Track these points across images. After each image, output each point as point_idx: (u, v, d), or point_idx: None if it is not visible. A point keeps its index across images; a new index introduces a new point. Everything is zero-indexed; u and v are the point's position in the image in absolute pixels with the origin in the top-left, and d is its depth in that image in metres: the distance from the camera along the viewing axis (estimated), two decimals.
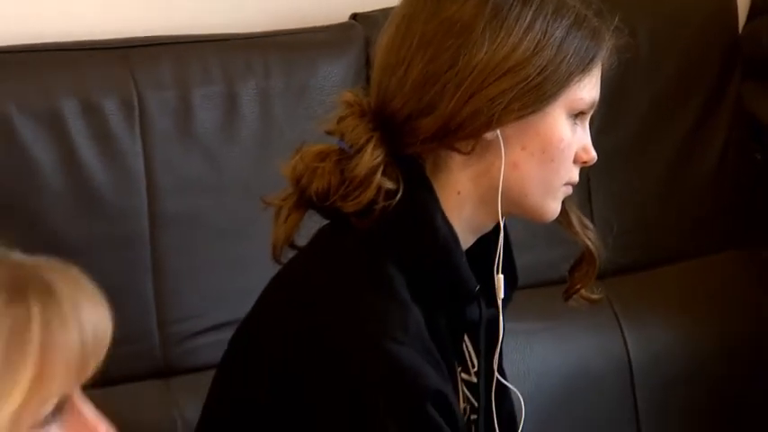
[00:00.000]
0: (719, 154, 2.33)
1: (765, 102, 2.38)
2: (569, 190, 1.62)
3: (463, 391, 1.66)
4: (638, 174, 2.28)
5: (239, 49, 2.01)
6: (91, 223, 1.86)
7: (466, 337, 1.66)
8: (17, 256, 1.14)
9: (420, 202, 1.55)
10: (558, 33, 1.53)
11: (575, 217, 1.70)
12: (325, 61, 2.06)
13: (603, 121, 2.14)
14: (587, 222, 1.72)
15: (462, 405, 1.64)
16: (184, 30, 2.03)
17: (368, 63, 2.06)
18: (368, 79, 1.94)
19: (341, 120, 1.56)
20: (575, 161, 1.59)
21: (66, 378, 1.10)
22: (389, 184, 1.50)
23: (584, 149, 1.60)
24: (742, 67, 2.36)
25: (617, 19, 1.59)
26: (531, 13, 1.53)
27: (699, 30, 2.34)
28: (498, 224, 1.61)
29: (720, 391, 2.24)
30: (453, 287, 1.58)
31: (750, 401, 2.27)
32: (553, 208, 1.62)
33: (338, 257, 1.58)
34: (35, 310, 1.09)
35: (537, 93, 1.53)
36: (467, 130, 1.52)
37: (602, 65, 1.59)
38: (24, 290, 1.12)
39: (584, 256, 1.70)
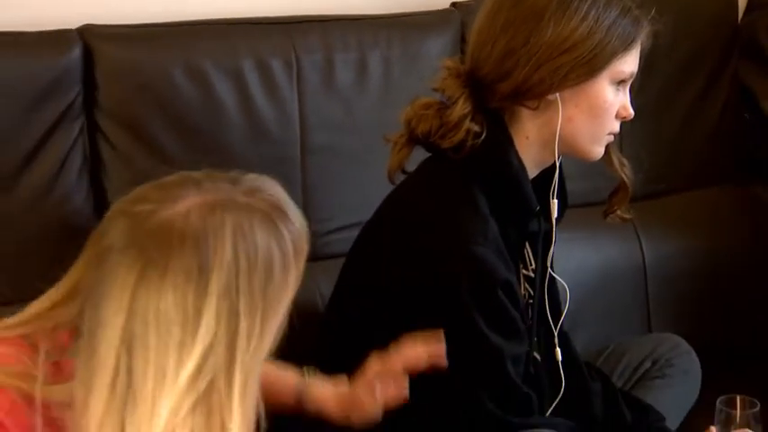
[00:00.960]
0: (720, 113, 2.33)
1: (755, 77, 2.35)
2: (611, 138, 1.66)
3: (523, 284, 1.69)
4: (658, 126, 2.26)
5: (369, 25, 2.01)
6: (258, 148, 1.88)
7: (528, 244, 1.69)
8: (244, 176, 1.16)
9: (499, 142, 1.60)
10: (607, 21, 1.56)
11: (615, 158, 1.73)
12: (432, 37, 2.05)
13: (636, 88, 2.02)
14: (624, 161, 1.75)
15: (522, 292, 1.67)
16: (332, 10, 2.01)
17: (463, 40, 2.06)
18: (463, 52, 1.97)
19: (442, 80, 1.61)
20: (616, 116, 1.63)
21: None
22: (476, 128, 1.57)
23: (624, 108, 1.63)
24: (739, 50, 2.35)
25: (653, 10, 1.62)
26: (587, 5, 1.55)
27: (707, 21, 2.32)
28: (556, 161, 1.65)
29: (711, 286, 2.25)
30: (520, 206, 1.62)
31: (733, 292, 2.26)
32: (598, 151, 1.66)
33: (437, 181, 1.63)
34: (288, 236, 1.12)
35: (588, 66, 1.56)
36: (534, 92, 1.57)
37: (642, 45, 1.61)
38: (281, 207, 1.14)
39: (621, 186, 1.74)
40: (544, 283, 1.72)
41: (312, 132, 1.92)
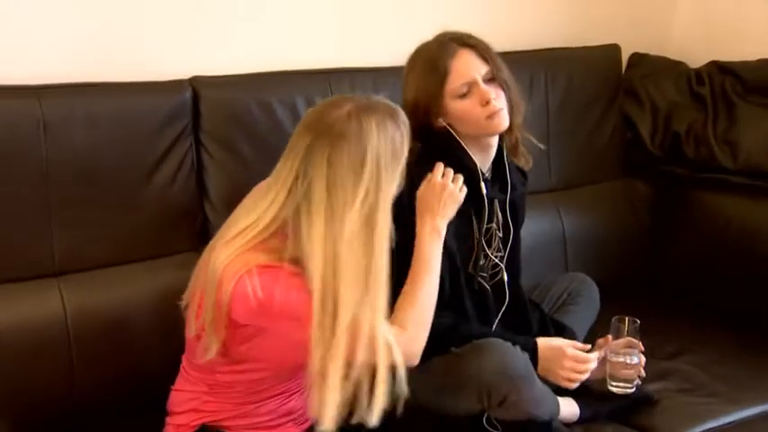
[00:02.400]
0: (611, 133, 2.30)
1: (633, 109, 2.32)
2: (496, 116, 1.55)
3: (476, 227, 1.63)
4: (572, 141, 2.24)
5: (372, 75, 1.92)
6: None
7: (497, 202, 1.64)
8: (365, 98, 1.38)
9: (449, 137, 1.59)
10: (419, 78, 1.56)
11: (522, 156, 1.68)
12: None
13: (556, 117, 2.18)
14: (529, 158, 1.70)
15: (477, 234, 1.62)
16: (358, 63, 1.95)
17: None
18: None
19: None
20: (481, 105, 1.54)
21: None
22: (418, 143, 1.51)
23: (481, 99, 1.55)
24: (623, 92, 2.33)
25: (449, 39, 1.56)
26: (410, 75, 1.59)
27: (602, 73, 2.31)
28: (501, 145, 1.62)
29: (608, 244, 2.22)
30: (470, 173, 1.59)
31: (622, 247, 2.24)
32: (491, 126, 1.56)
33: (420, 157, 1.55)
34: (402, 128, 1.37)
35: (433, 105, 1.55)
36: (432, 122, 1.58)
37: (460, 60, 1.54)
38: (397, 113, 1.38)
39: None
40: (494, 231, 1.67)
41: None
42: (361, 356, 1.26)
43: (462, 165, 1.61)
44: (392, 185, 1.33)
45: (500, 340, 1.55)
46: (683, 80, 2.32)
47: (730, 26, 2.37)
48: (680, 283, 2.24)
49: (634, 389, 1.67)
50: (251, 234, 1.32)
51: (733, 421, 1.71)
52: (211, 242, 1.42)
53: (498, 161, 1.68)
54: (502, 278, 1.71)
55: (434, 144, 1.61)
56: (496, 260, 1.70)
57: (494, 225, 1.68)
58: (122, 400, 1.66)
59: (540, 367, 1.60)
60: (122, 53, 1.78)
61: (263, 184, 1.43)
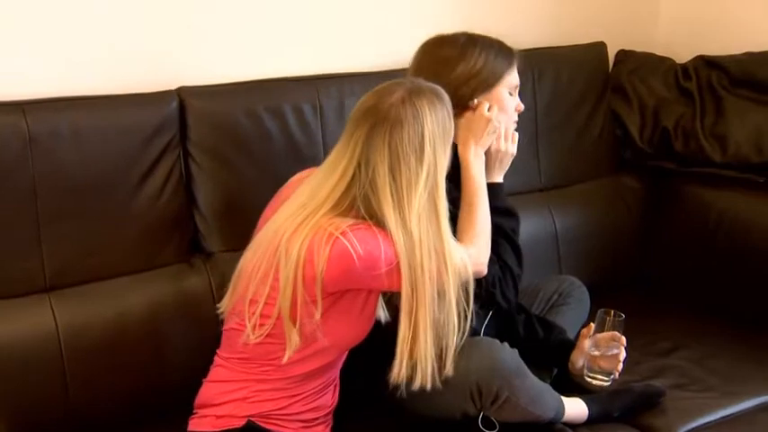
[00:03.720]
0: (600, 130, 2.30)
1: (622, 106, 2.32)
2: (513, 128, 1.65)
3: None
4: (562, 139, 2.24)
5: (367, 78, 1.87)
6: (293, 164, 1.72)
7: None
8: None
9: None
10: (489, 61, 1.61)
11: None
12: None
13: (544, 115, 2.18)
14: None
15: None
16: (343, 69, 1.94)
17: None
18: None
19: None
20: (517, 110, 1.66)
21: None
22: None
23: (517, 108, 1.66)
24: (611, 90, 2.33)
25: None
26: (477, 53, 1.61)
27: (590, 71, 2.29)
28: None
29: (599, 243, 2.21)
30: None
31: (613, 246, 2.23)
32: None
33: None
34: (448, 106, 1.43)
35: (486, 84, 1.60)
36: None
37: (515, 62, 1.64)
38: (441, 93, 1.43)
39: None
40: None
41: (329, 149, 1.70)
42: (445, 281, 1.37)
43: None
44: (446, 162, 1.40)
45: (486, 338, 1.55)
46: (670, 75, 2.32)
47: (715, 20, 2.37)
48: (672, 278, 2.24)
49: (610, 382, 1.66)
50: (322, 211, 1.36)
51: (730, 414, 1.71)
52: (255, 240, 1.44)
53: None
54: None
55: None
56: None
57: None
58: (117, 413, 1.65)
59: None
60: (107, 65, 1.77)
61: (297, 186, 1.46)
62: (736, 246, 2.10)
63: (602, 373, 1.65)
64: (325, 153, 1.81)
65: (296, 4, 1.97)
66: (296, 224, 1.36)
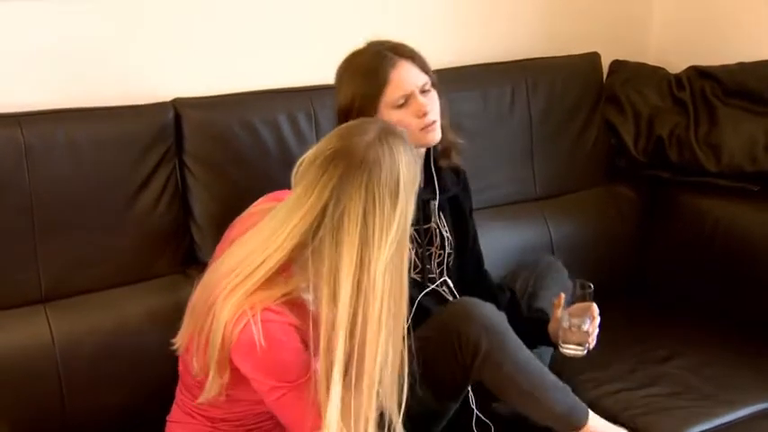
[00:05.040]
0: (594, 139, 2.29)
1: (616, 116, 2.32)
2: (430, 128, 1.55)
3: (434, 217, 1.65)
4: (556, 149, 2.24)
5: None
6: (289, 173, 1.52)
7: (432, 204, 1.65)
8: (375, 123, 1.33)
9: None
10: (356, 84, 1.54)
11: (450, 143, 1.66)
12: None
13: (539, 126, 2.18)
14: (457, 145, 1.68)
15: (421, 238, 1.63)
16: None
17: None
18: None
19: None
20: (417, 116, 1.54)
21: None
22: None
23: (418, 110, 1.54)
24: (605, 99, 2.33)
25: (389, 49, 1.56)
26: (343, 79, 1.57)
27: (584, 80, 2.30)
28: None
29: (594, 249, 2.20)
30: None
31: (606, 249, 2.22)
32: (425, 139, 1.56)
33: None
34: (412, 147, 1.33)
35: (369, 108, 1.53)
36: None
37: (398, 73, 1.52)
38: (404, 133, 1.33)
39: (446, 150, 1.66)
40: (433, 231, 1.68)
41: None
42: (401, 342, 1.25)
43: None
44: (413, 206, 1.31)
45: (475, 298, 1.53)
46: (664, 85, 2.32)
47: (707, 31, 2.38)
48: (667, 287, 2.24)
49: (585, 352, 1.63)
50: (261, 272, 1.26)
51: (725, 423, 1.71)
52: (206, 278, 1.35)
53: (426, 166, 1.67)
54: (447, 278, 1.70)
55: None
56: (442, 258, 1.69)
57: (432, 225, 1.69)
58: (113, 424, 1.65)
59: None
60: (103, 77, 1.77)
61: (257, 220, 1.35)
62: (731, 254, 2.10)
63: (577, 344, 1.63)
64: None
65: (289, 15, 1.97)
66: (234, 284, 1.26)
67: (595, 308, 1.61)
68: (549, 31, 2.36)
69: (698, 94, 2.26)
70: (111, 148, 1.67)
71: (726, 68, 2.24)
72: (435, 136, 1.59)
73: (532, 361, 1.52)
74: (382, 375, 1.23)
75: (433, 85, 1.59)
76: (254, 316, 1.23)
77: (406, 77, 1.56)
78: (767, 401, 1.77)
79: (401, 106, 1.55)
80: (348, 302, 1.21)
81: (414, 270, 1.65)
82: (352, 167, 1.24)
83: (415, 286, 1.62)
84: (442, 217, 1.71)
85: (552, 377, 1.53)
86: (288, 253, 1.26)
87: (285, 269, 1.28)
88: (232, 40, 1.91)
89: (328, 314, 1.22)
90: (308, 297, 1.29)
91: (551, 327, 1.69)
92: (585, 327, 1.61)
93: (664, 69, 2.38)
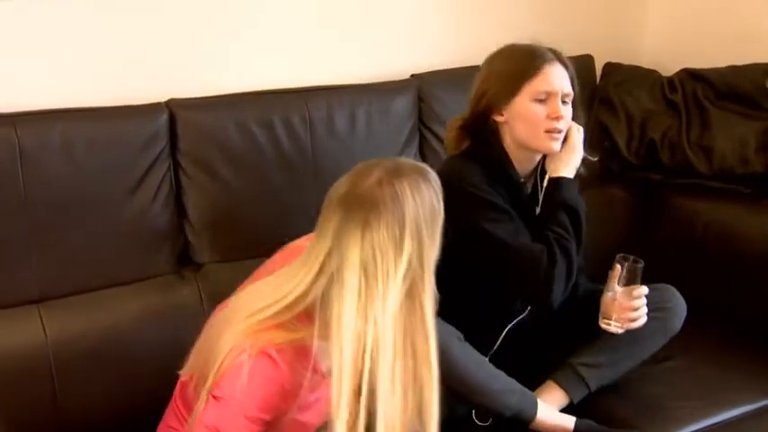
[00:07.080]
0: (587, 142, 2.06)
1: (609, 118, 2.32)
2: (555, 135, 1.62)
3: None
4: None
5: (356, 91, 1.94)
6: (283, 173, 1.83)
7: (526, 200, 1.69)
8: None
9: (486, 142, 1.66)
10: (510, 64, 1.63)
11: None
12: (398, 98, 2.00)
13: None
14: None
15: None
16: (331, 82, 1.96)
17: (420, 100, 2.03)
18: (420, 109, 2.02)
19: (447, 133, 1.73)
20: (547, 118, 1.61)
21: None
22: (466, 140, 1.68)
23: (548, 115, 1.61)
24: (598, 101, 2.33)
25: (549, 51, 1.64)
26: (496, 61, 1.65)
27: (579, 82, 2.28)
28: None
29: (589, 245, 2.03)
30: (505, 177, 1.65)
31: (602, 246, 1.98)
32: (546, 146, 1.63)
33: (451, 161, 1.70)
34: (435, 185, 1.23)
35: (508, 91, 1.62)
36: (489, 112, 1.64)
37: (549, 71, 1.60)
38: (426, 171, 1.24)
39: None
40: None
41: (319, 160, 1.89)
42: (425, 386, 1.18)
43: (503, 169, 1.66)
44: (434, 250, 1.21)
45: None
46: (657, 88, 2.33)
47: (699, 34, 2.39)
48: None
49: (622, 330, 1.65)
50: (271, 311, 1.21)
51: (716, 423, 1.72)
52: (222, 313, 1.30)
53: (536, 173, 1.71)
54: None
55: (478, 142, 1.65)
56: None
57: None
58: (107, 424, 1.65)
59: None
60: (98, 78, 1.77)
61: (294, 256, 1.28)
62: (723, 256, 2.11)
63: (619, 322, 1.65)
64: (315, 165, 1.90)
65: (285, 16, 1.97)
66: (243, 316, 1.23)
67: (644, 289, 1.62)
68: (542, 33, 2.30)
69: (690, 97, 2.27)
70: (105, 148, 1.67)
71: (717, 71, 2.25)
72: (556, 145, 1.63)
73: (483, 366, 1.58)
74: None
75: (574, 103, 1.65)
76: (250, 353, 1.19)
77: (557, 77, 1.62)
78: (759, 402, 1.79)
79: (540, 101, 1.61)
80: (352, 361, 1.14)
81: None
82: (350, 213, 1.16)
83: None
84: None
85: (504, 382, 1.60)
86: (300, 296, 1.21)
87: (303, 315, 1.22)
88: (227, 42, 1.91)
89: (336, 372, 1.15)
90: (321, 344, 1.22)
91: (603, 300, 1.68)
92: (640, 305, 1.61)
93: (656, 72, 2.39)
